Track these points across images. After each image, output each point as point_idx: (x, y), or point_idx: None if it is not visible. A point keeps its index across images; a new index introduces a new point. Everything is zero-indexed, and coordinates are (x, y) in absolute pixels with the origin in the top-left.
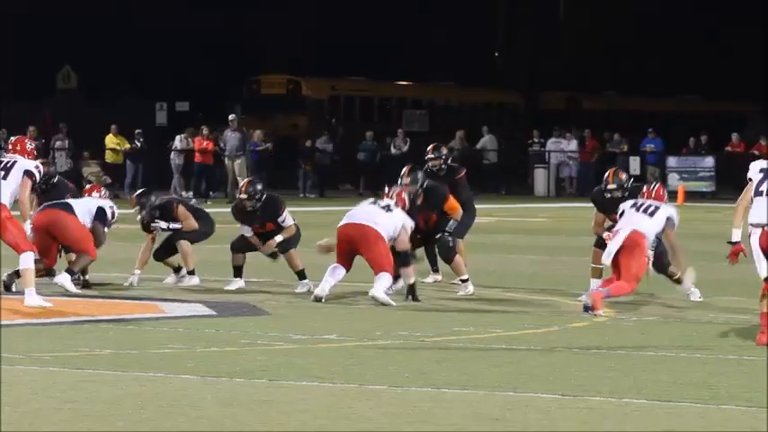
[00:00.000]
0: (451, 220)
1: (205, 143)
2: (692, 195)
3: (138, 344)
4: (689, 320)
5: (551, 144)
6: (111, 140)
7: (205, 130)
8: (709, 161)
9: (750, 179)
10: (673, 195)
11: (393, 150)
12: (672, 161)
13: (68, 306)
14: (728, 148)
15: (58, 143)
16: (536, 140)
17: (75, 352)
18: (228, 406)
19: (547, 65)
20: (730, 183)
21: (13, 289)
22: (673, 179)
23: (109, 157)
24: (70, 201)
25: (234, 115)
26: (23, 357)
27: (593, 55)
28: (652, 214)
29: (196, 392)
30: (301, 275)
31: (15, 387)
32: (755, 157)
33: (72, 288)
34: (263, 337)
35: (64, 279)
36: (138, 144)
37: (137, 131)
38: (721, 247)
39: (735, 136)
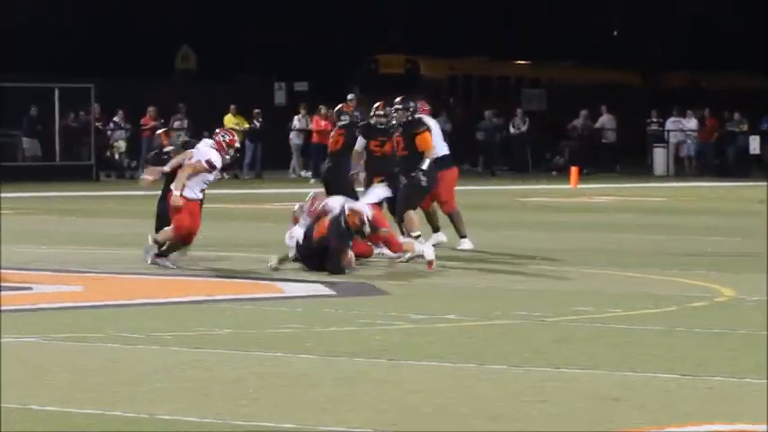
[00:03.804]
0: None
1: (323, 123)
2: None
3: (257, 324)
4: None
5: (671, 123)
6: (229, 120)
7: (323, 110)
8: None
9: None
10: None
11: (512, 130)
12: None
13: (187, 286)
14: None
15: (177, 123)
16: (654, 120)
17: (193, 332)
18: (347, 385)
19: (665, 45)
20: None
21: None
22: None
23: None
24: None
25: (353, 95)
26: (143, 337)
27: (710, 34)
28: None
29: (315, 372)
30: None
31: (136, 366)
32: None
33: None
34: (383, 317)
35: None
36: (257, 124)
37: (255, 111)
38: None
39: None
